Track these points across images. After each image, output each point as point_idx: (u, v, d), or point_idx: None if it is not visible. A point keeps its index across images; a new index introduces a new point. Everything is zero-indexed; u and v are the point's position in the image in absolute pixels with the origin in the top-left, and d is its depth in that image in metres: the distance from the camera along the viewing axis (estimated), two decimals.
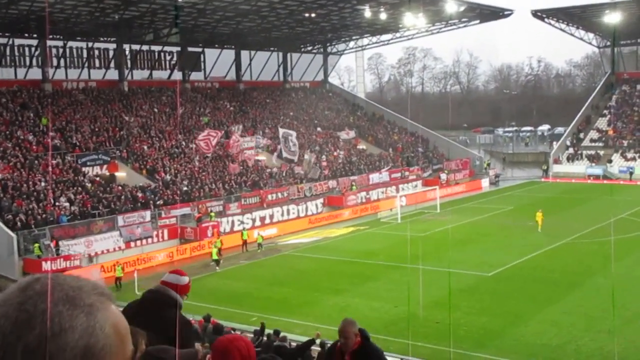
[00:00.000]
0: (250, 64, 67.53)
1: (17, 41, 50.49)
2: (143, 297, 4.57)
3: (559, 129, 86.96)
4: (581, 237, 38.53)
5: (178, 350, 3.73)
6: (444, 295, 26.02)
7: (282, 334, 19.12)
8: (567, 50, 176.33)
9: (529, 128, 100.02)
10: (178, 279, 4.67)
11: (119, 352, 1.32)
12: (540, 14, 70.84)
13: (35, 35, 50.55)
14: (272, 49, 69.07)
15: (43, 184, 39.04)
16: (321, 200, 49.70)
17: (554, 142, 76.07)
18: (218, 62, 64.26)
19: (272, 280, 32.46)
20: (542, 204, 47.69)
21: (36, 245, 34.08)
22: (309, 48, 73.53)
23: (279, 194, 48.03)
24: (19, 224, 34.87)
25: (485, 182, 64.08)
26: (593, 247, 35.68)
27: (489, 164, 70.06)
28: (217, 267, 35.52)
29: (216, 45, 63.89)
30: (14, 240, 33.82)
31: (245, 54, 66.57)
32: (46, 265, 32.27)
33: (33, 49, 50.86)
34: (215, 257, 35.81)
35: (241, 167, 49.87)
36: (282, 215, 46.32)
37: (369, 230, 44.49)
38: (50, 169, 40.80)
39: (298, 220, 46.62)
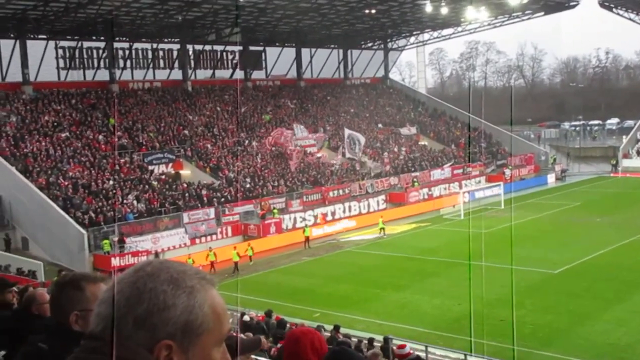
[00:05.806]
0: (310, 62, 67.76)
1: (86, 44, 52.08)
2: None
3: (629, 122, 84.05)
4: None
5: (240, 337, 3.77)
6: (508, 293, 25.70)
7: (342, 330, 19.22)
8: (637, 41, 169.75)
9: (596, 122, 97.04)
10: None
11: (215, 329, 1.51)
12: (607, 4, 68.64)
13: (102, 38, 52.05)
14: (332, 46, 69.21)
15: (111, 182, 40.23)
16: (383, 196, 49.57)
17: (624, 136, 73.61)
18: (279, 61, 64.77)
19: (334, 277, 32.57)
20: (611, 200, 46.40)
21: (106, 241, 35.19)
22: (370, 44, 73.33)
23: (341, 191, 48.16)
24: (88, 221, 36.05)
25: (551, 178, 62.66)
26: None
27: (554, 159, 68.41)
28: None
29: (277, 44, 64.43)
30: (84, 236, 35.01)
31: (305, 52, 66.85)
32: (115, 261, 33.26)
33: (100, 51, 52.41)
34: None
35: (301, 164, 50.18)
36: (344, 212, 46.41)
37: (431, 227, 44.14)
38: (117, 167, 41.95)
39: (360, 216, 46.64)
